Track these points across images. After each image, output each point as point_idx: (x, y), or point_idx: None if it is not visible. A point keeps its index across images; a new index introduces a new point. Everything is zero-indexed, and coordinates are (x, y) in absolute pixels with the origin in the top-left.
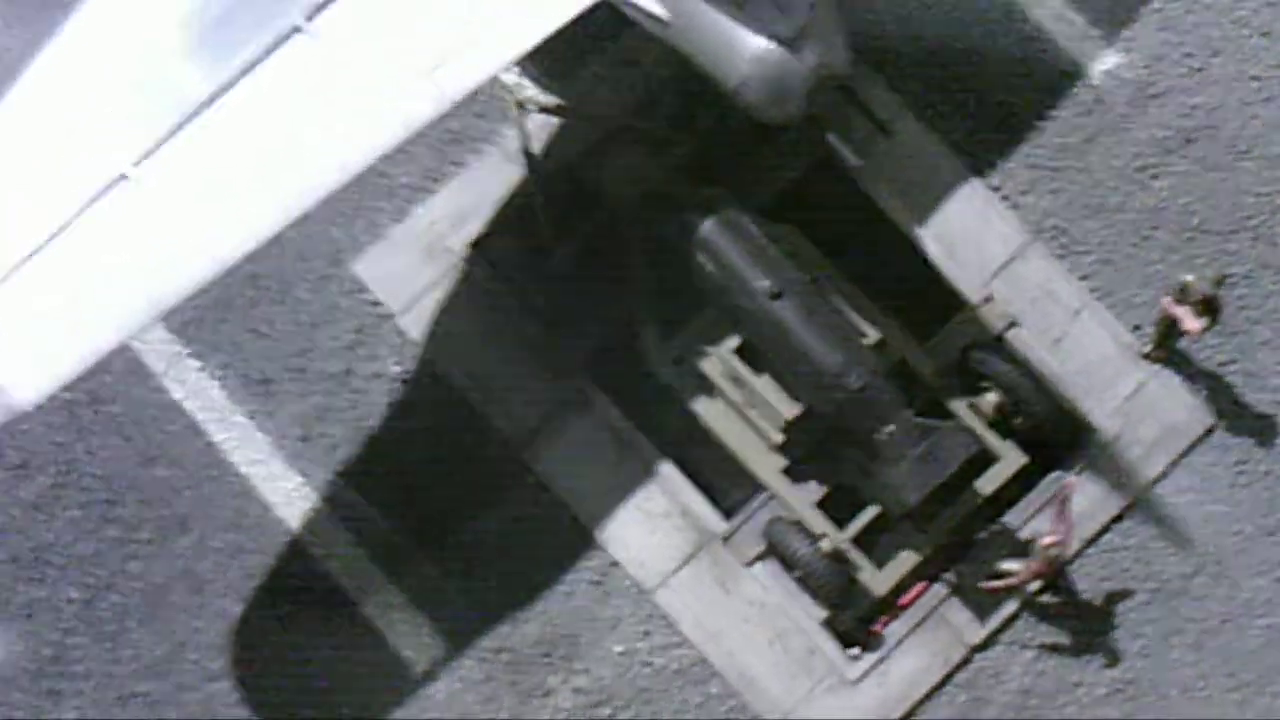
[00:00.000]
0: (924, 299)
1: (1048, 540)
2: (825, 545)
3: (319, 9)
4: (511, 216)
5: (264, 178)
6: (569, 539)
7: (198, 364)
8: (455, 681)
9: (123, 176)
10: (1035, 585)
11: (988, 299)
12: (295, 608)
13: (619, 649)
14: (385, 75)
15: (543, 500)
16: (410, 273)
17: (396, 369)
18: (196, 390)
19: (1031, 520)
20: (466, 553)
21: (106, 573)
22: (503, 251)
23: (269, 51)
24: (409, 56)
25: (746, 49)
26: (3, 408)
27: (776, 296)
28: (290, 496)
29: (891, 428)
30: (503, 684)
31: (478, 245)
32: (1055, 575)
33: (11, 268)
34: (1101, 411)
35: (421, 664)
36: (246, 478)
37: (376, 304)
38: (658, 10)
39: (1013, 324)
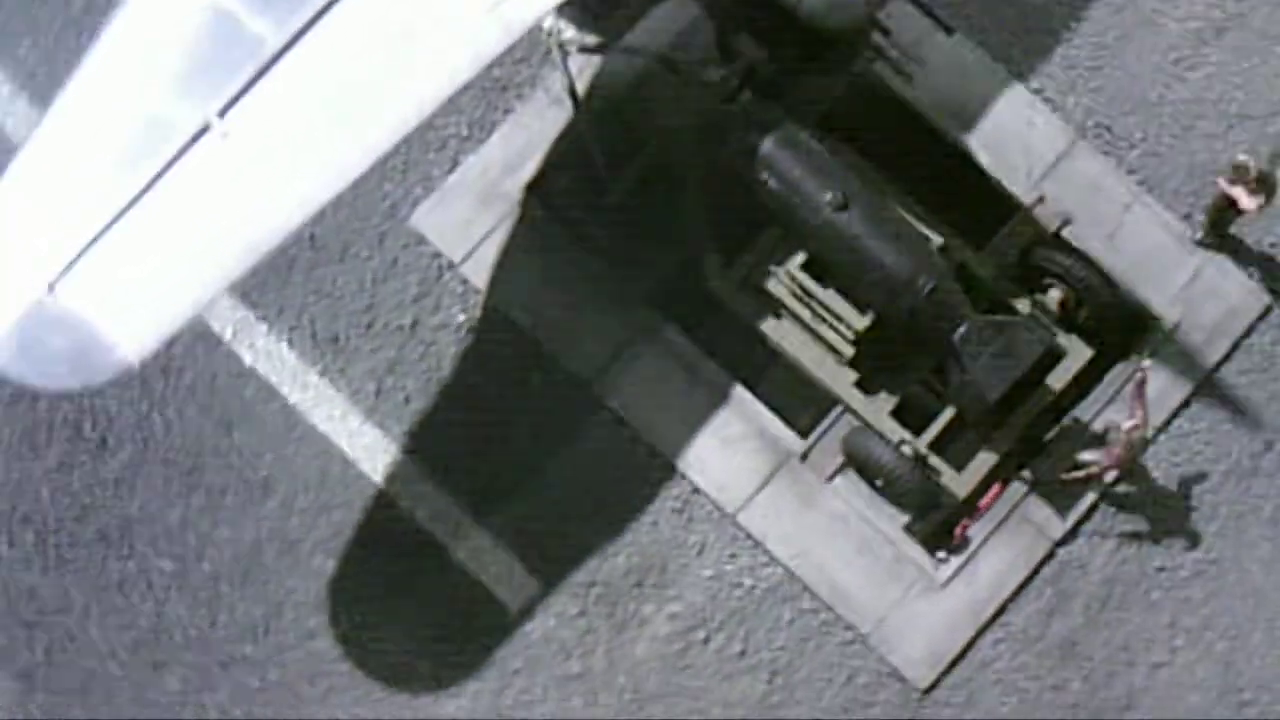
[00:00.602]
0: (977, 206)
1: (1128, 425)
2: (906, 450)
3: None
4: (564, 157)
5: (345, 119)
6: (649, 469)
7: (265, 327)
8: (550, 618)
9: (207, 127)
10: (1112, 475)
11: (1040, 199)
12: (387, 559)
13: (708, 573)
14: (451, 10)
15: (619, 434)
16: (467, 221)
17: (462, 317)
18: (267, 353)
19: (1103, 412)
20: (549, 491)
21: (196, 541)
22: (558, 192)
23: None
24: None
25: None
26: (113, 364)
27: (843, 208)
28: (371, 450)
29: (964, 328)
30: (598, 616)
31: (532, 188)
32: (1133, 462)
33: (105, 225)
34: (1161, 300)
35: (517, 603)
36: (325, 435)
37: (437, 255)
38: None
39: (1066, 222)
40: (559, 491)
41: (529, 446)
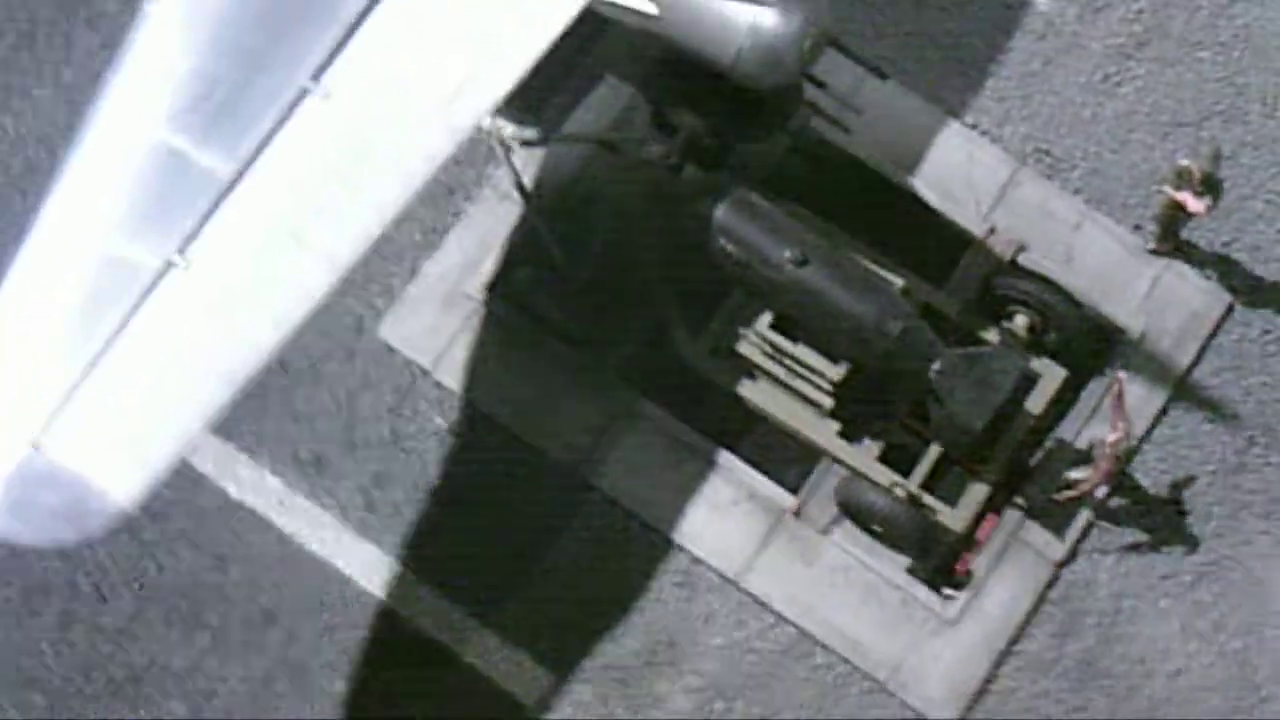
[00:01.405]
0: (931, 246)
1: (1112, 438)
2: (899, 492)
3: (323, 68)
4: (520, 250)
5: (306, 238)
6: (646, 546)
7: (247, 458)
8: (569, 707)
9: (170, 265)
10: (1103, 490)
11: (991, 230)
12: (398, 672)
13: (718, 641)
14: (399, 120)
15: (613, 514)
16: (433, 327)
17: (441, 421)
18: (252, 484)
19: (1084, 429)
20: (551, 581)
21: (206, 681)
22: (519, 285)
23: (283, 120)
24: (419, 98)
25: (740, 22)
26: (108, 512)
27: (803, 263)
28: (367, 566)
29: (938, 365)
30: (616, 700)
31: (494, 285)
32: (1121, 474)
33: (82, 374)
34: (1124, 313)
35: (533, 698)
36: (320, 558)
37: (408, 363)
38: (647, 7)
39: (1021, 249)
40: (560, 580)
41: (525, 539)
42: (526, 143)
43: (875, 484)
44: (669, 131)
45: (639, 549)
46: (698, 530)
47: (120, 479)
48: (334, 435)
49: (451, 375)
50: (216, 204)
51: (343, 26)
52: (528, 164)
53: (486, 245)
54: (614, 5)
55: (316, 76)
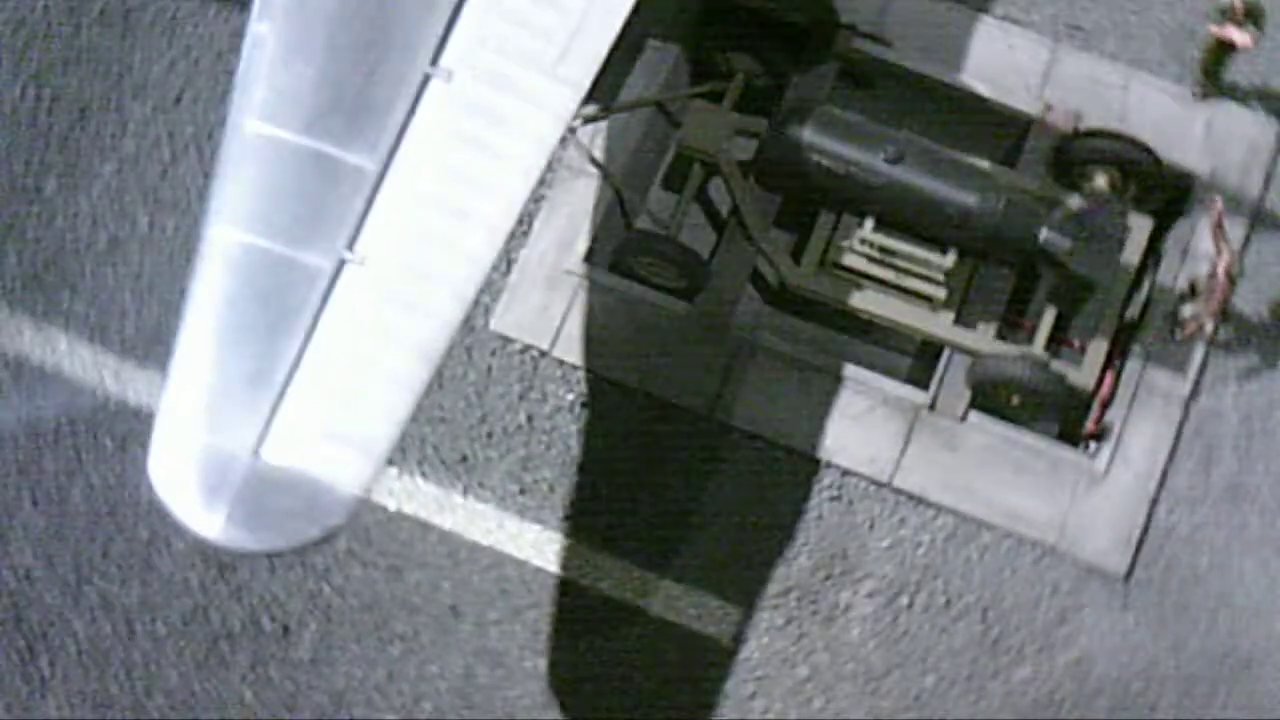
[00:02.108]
0: (992, 136)
1: (1223, 261)
2: (1034, 356)
3: (439, 51)
4: (610, 217)
5: (463, 211)
6: (796, 471)
7: (395, 471)
8: (762, 636)
9: (344, 262)
10: (1213, 324)
11: (1048, 107)
12: (592, 638)
13: (886, 543)
14: (520, 84)
15: (756, 449)
16: (543, 308)
17: (571, 396)
18: (407, 493)
19: (1180, 272)
20: (714, 522)
21: (409, 688)
22: (616, 251)
23: (414, 107)
24: (533, 59)
25: None
26: (342, 503)
27: (898, 160)
28: (537, 545)
29: (1044, 232)
30: (804, 618)
31: (591, 256)
32: (1229, 301)
33: (286, 377)
34: (1189, 158)
35: (726, 634)
36: (490, 547)
37: (527, 348)
38: None
39: (1079, 117)
40: (722, 519)
41: (679, 488)
42: (589, 119)
43: (1006, 356)
44: (729, 75)
45: (789, 475)
46: (841, 444)
47: (346, 469)
48: (473, 431)
49: (570, 351)
50: (372, 197)
51: (447, 6)
52: (594, 138)
53: (575, 222)
54: None
55: (435, 60)
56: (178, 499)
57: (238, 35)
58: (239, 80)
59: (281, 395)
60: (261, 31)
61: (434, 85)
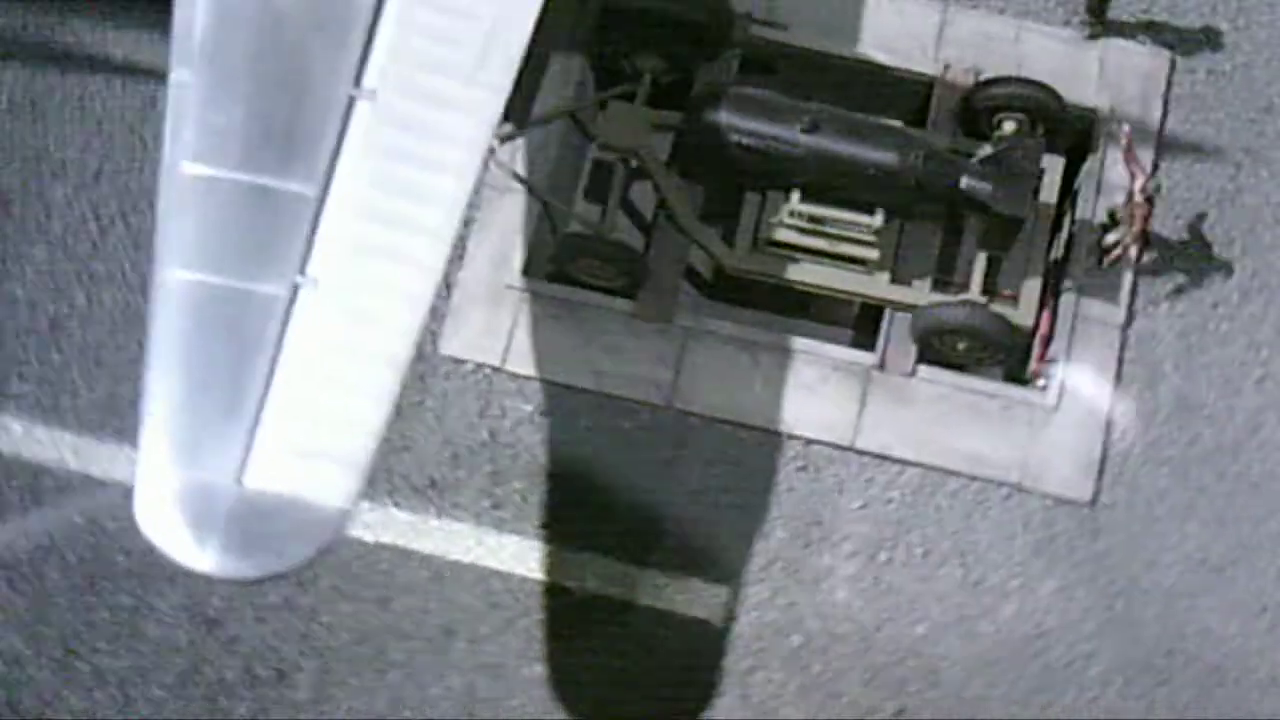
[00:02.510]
0: (896, 101)
1: (1138, 182)
2: (973, 301)
3: (359, 73)
4: (539, 230)
5: (407, 222)
6: (759, 447)
7: (367, 504)
8: (752, 610)
9: (297, 286)
10: (1136, 248)
11: (946, 66)
12: (585, 637)
13: (857, 504)
14: (443, 96)
15: (717, 431)
16: (489, 326)
17: (529, 407)
18: (382, 524)
19: (1096, 205)
20: (688, 506)
21: (413, 713)
22: (554, 257)
23: (344, 129)
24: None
25: None
26: (332, 519)
27: (815, 129)
28: (518, 555)
29: (964, 178)
30: (790, 587)
31: (528, 269)
32: (1149, 222)
33: (257, 405)
34: (1088, 97)
35: (717, 614)
36: (472, 564)
37: (479, 367)
38: None
39: (978, 71)
40: (694, 503)
41: (649, 482)
42: (506, 137)
43: (947, 304)
44: (635, 77)
45: (753, 452)
46: (799, 415)
47: (329, 485)
48: (438, 455)
49: (522, 363)
50: (316, 220)
51: (362, 29)
52: (514, 155)
53: (507, 237)
54: None
55: (357, 82)
56: (168, 538)
57: (148, 105)
58: (167, 127)
59: (256, 422)
60: (182, 77)
61: (360, 106)
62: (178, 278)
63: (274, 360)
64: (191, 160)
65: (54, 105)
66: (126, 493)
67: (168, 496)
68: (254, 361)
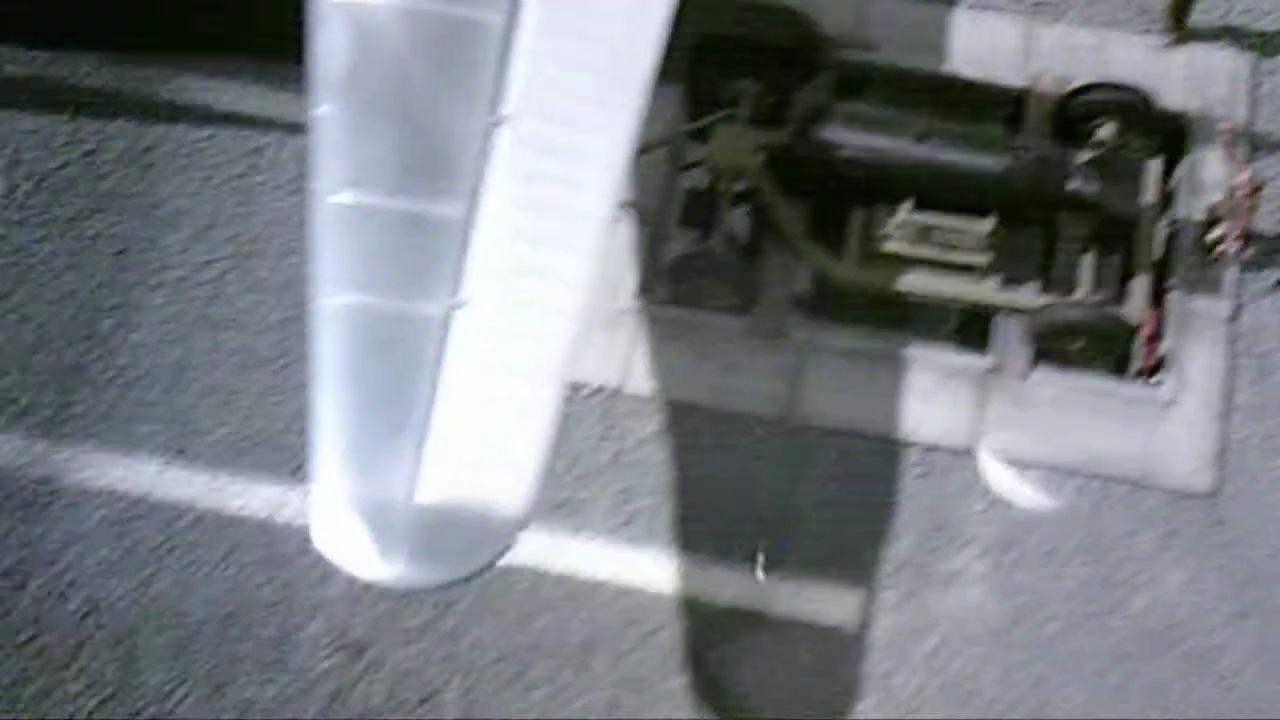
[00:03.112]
0: (987, 116)
1: (1242, 178)
2: (1087, 301)
3: (496, 100)
4: (650, 254)
5: (555, 240)
6: (879, 456)
7: None
8: (886, 615)
9: (453, 308)
10: (1239, 243)
11: (1038, 77)
12: (725, 648)
13: (979, 507)
14: (580, 112)
15: (834, 441)
16: (606, 350)
17: (651, 427)
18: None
19: (1195, 203)
20: (814, 519)
21: None
22: (671, 278)
23: (487, 153)
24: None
25: None
26: (510, 523)
27: (925, 139)
28: (652, 571)
29: (1073, 178)
30: (921, 591)
31: (642, 291)
32: (1255, 213)
33: (423, 424)
34: (1176, 101)
35: (851, 621)
36: (608, 581)
37: (598, 389)
38: None
39: (1067, 82)
40: (821, 514)
41: (773, 495)
42: None
43: (1063, 305)
44: (734, 102)
45: (874, 462)
46: (917, 422)
47: (503, 495)
48: (566, 476)
49: (641, 384)
50: (466, 243)
51: (496, 57)
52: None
53: (618, 263)
54: None
55: (495, 109)
56: (349, 558)
57: (255, 153)
58: (314, 159)
59: (424, 439)
60: (325, 113)
61: (500, 133)
62: (337, 303)
63: (436, 378)
64: (343, 190)
65: (163, 157)
66: (264, 527)
67: (345, 515)
68: (417, 380)
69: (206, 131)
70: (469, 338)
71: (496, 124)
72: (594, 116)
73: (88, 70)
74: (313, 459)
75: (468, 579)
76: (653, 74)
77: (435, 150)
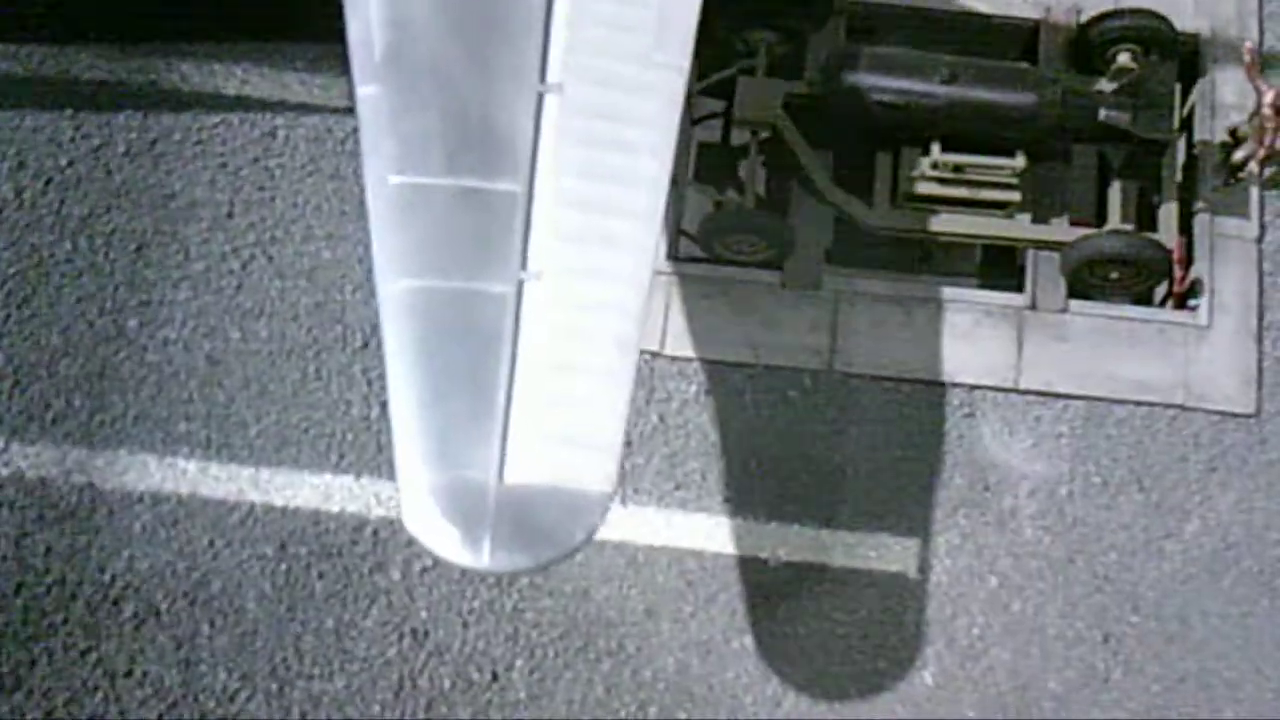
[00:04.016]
0: (1004, 50)
1: (1269, 95)
2: (1120, 229)
3: (544, 68)
4: (672, 215)
5: (613, 205)
6: (924, 400)
7: None
8: (945, 558)
9: (522, 281)
10: (1261, 163)
11: (1048, 9)
12: (787, 608)
13: (1028, 443)
14: (628, 73)
15: (883, 388)
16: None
17: (694, 388)
18: None
19: (1215, 125)
20: (862, 467)
21: (630, 697)
22: (702, 235)
23: (538, 124)
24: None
25: None
26: (598, 502)
27: (952, 79)
28: (709, 532)
29: (1102, 110)
30: (978, 531)
31: (672, 253)
32: (1278, 134)
33: (505, 400)
34: (1187, 22)
35: (912, 566)
36: (665, 546)
37: (639, 354)
38: None
39: (1079, 9)
40: (869, 463)
41: (823, 446)
42: None
43: (1098, 235)
44: (752, 53)
45: (918, 405)
46: (959, 363)
47: (588, 470)
48: None
49: (680, 346)
50: (528, 216)
51: (537, 25)
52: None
53: None
54: None
55: (543, 78)
56: (442, 542)
57: (269, 136)
58: (364, 142)
59: (506, 418)
60: (370, 93)
61: (549, 101)
62: (403, 287)
63: (512, 356)
64: (396, 172)
65: (173, 146)
66: (314, 517)
67: (434, 501)
68: (493, 359)
69: (215, 118)
70: (540, 312)
71: (544, 92)
72: (642, 76)
73: (87, 63)
74: (395, 450)
75: (564, 558)
76: (695, 28)
77: (485, 124)
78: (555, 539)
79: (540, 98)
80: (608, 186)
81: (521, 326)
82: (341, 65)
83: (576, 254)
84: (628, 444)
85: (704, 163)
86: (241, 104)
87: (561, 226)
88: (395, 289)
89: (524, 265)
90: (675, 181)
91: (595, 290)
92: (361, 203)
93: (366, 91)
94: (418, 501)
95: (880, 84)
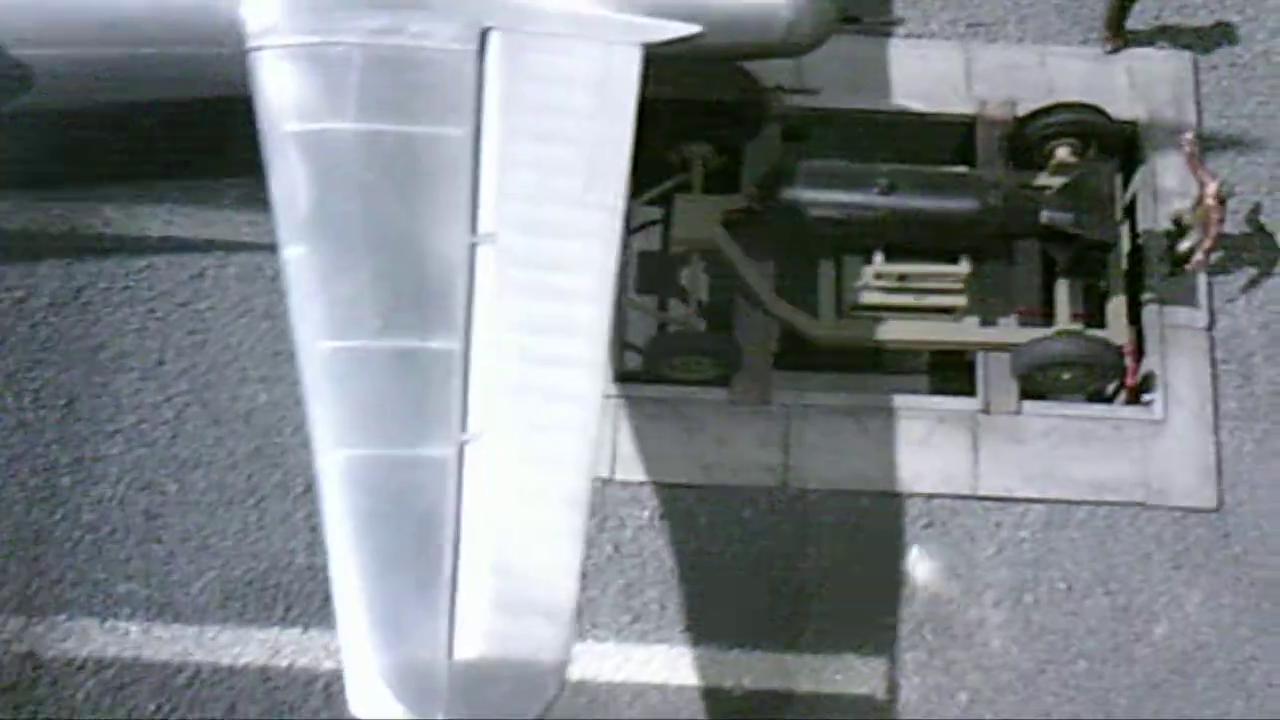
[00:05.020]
0: (937, 147)
1: (1211, 186)
2: (1069, 330)
3: (474, 216)
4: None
5: (557, 356)
6: (883, 511)
7: None
8: (913, 676)
9: (464, 443)
10: (1209, 250)
11: (983, 104)
12: None
13: (990, 551)
14: (559, 221)
15: (835, 502)
16: None
17: (646, 513)
18: None
19: (1157, 213)
20: (825, 588)
21: None
22: (648, 359)
23: (471, 275)
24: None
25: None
26: (554, 671)
27: (891, 189)
28: (670, 664)
29: (1044, 211)
30: (944, 646)
31: (619, 375)
32: (1223, 223)
33: (450, 572)
34: (1123, 110)
35: (879, 687)
36: (625, 682)
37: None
38: (688, 30)
39: (1014, 104)
40: (832, 581)
41: (781, 566)
42: None
43: (1046, 338)
44: (685, 167)
45: (876, 518)
46: (915, 472)
47: (542, 639)
48: None
49: (631, 470)
50: (466, 373)
51: (465, 174)
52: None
53: None
54: (660, 46)
55: (474, 229)
56: None
57: (197, 277)
58: (293, 305)
59: (454, 588)
60: (297, 254)
61: (482, 252)
62: (340, 457)
63: (457, 522)
64: (328, 337)
65: (99, 294)
66: (263, 674)
67: (381, 682)
68: (437, 527)
69: (142, 261)
70: (485, 474)
71: (477, 243)
72: (575, 218)
73: (5, 212)
74: (339, 629)
75: None
76: (627, 167)
77: (418, 280)
78: (510, 714)
79: (473, 249)
80: (547, 337)
81: (464, 491)
82: (269, 200)
83: (518, 410)
84: (583, 575)
85: (644, 271)
86: (168, 245)
87: (501, 382)
88: (333, 460)
89: (464, 426)
90: (617, 300)
91: (540, 446)
92: None
93: (293, 253)
94: (366, 686)
95: (818, 198)
